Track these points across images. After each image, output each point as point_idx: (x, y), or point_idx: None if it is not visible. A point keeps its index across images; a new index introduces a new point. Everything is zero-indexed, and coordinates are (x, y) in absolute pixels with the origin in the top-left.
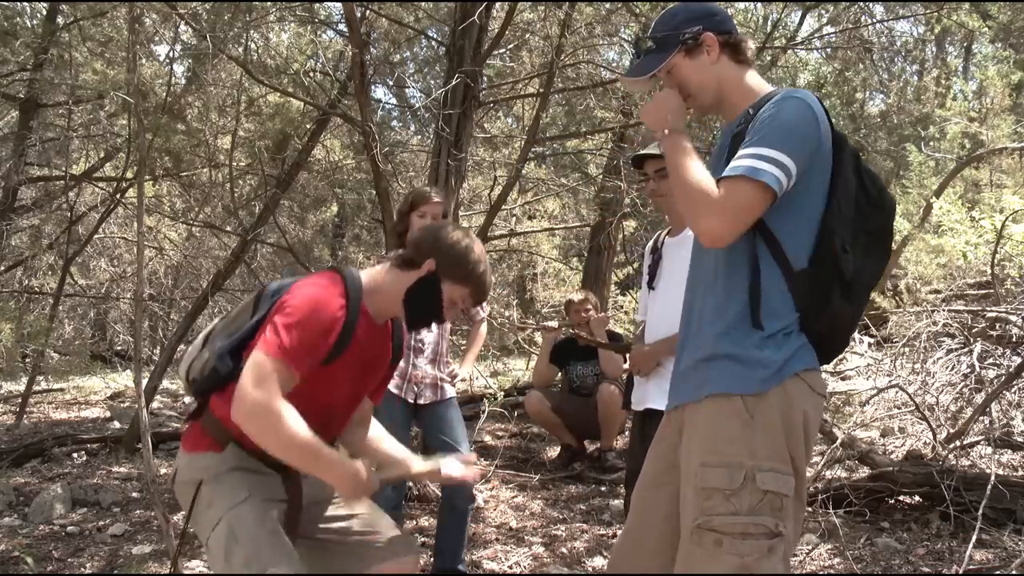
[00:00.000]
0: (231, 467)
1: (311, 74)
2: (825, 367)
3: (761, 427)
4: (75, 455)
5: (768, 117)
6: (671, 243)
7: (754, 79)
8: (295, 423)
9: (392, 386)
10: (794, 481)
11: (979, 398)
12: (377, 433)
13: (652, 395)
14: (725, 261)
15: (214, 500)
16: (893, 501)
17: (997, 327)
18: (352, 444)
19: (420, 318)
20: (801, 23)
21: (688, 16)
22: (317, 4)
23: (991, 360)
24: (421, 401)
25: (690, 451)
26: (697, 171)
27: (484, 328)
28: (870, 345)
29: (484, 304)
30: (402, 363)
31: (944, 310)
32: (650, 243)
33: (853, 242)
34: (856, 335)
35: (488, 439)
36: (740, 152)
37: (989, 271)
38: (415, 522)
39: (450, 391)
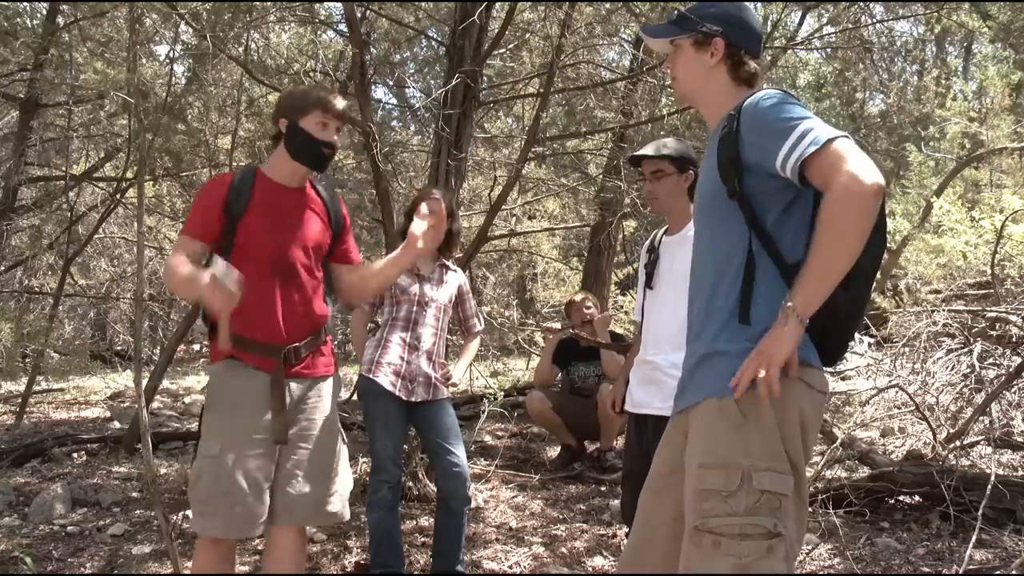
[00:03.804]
0: (222, 397)
1: (311, 74)
2: (827, 368)
3: (756, 427)
4: (75, 455)
5: (761, 118)
6: (668, 242)
7: (743, 95)
8: (173, 264)
9: (387, 383)
10: (792, 480)
11: (979, 398)
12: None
13: (638, 398)
14: (722, 260)
15: (202, 433)
16: (893, 501)
17: (997, 327)
18: (355, 282)
19: (312, 157)
20: (801, 23)
21: (719, 15)
22: (317, 4)
23: (991, 360)
24: (414, 399)
25: (690, 453)
26: (821, 260)
27: (477, 342)
28: (870, 345)
29: (479, 319)
30: (397, 360)
31: (944, 310)
32: (647, 242)
33: None
34: (856, 335)
35: (488, 439)
36: (786, 144)
37: (989, 271)
38: (415, 522)
39: (444, 391)
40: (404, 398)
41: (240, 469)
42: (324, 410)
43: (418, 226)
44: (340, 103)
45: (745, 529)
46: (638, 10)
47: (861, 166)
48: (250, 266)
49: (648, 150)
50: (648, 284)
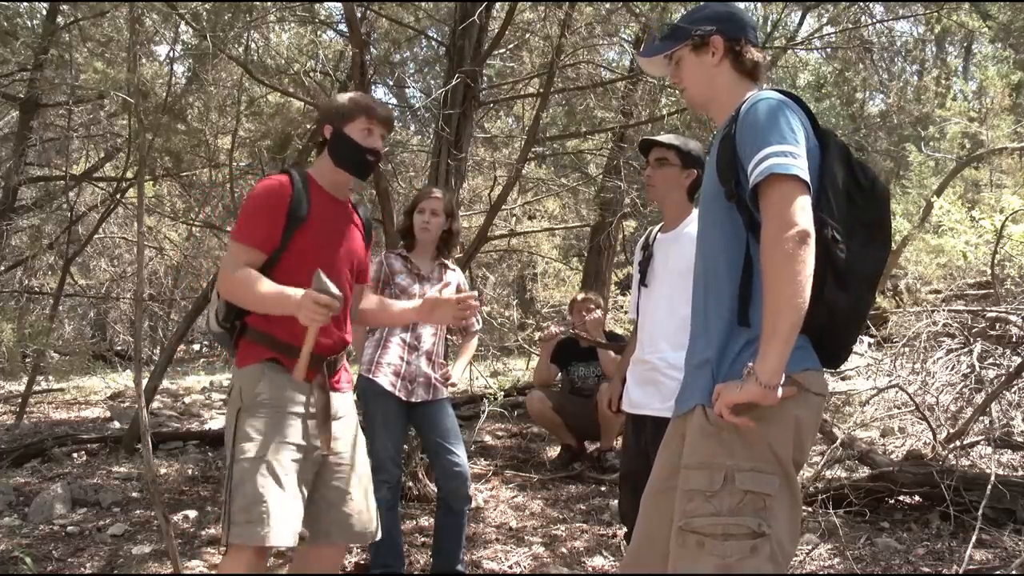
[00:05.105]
0: (263, 399)
1: (311, 74)
2: (828, 369)
3: (742, 430)
4: (75, 455)
5: (749, 124)
6: (663, 239)
7: (749, 89)
8: (247, 279)
9: (386, 383)
10: (778, 480)
11: (979, 398)
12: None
13: (635, 399)
14: (721, 262)
15: (240, 436)
16: (893, 501)
17: (997, 327)
18: (374, 311)
19: (356, 164)
20: (801, 23)
21: (709, 15)
22: (317, 4)
23: (991, 360)
24: (414, 399)
25: (683, 456)
26: (768, 318)
27: (475, 341)
28: (870, 345)
29: (478, 318)
30: (397, 360)
31: (944, 310)
32: (642, 239)
33: (849, 234)
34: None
35: (488, 439)
36: (751, 162)
37: (989, 271)
38: (415, 522)
39: (443, 391)
40: (404, 398)
41: (289, 473)
42: (354, 425)
43: (440, 294)
44: (385, 109)
45: (729, 529)
46: (638, 10)
47: (788, 211)
48: (301, 274)
49: (659, 136)
50: (643, 282)
